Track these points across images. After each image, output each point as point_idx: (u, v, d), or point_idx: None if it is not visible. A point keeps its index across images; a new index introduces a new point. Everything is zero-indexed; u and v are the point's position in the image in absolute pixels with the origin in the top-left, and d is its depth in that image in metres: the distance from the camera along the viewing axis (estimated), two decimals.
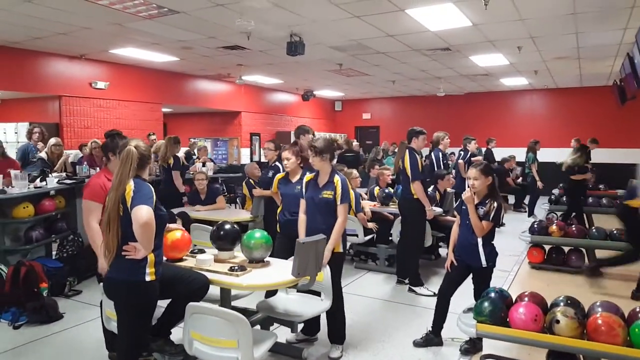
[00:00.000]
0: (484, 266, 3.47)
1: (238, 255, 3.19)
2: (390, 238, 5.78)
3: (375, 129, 15.94)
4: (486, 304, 2.83)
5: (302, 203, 3.56)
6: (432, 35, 6.99)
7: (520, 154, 10.93)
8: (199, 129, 13.23)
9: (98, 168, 5.57)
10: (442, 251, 6.21)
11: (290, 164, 3.90)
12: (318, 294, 3.37)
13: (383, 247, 5.81)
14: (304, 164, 3.95)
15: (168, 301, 2.90)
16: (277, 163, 4.96)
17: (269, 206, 4.97)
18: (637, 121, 11.85)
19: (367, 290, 5.07)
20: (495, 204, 3.38)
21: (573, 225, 5.74)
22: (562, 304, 2.73)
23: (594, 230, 5.59)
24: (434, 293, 4.72)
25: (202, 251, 3.31)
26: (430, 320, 3.73)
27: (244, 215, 5.58)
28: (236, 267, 2.88)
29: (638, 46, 6.29)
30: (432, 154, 7.18)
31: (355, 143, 11.51)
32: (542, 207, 8.60)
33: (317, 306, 3.18)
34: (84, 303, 4.62)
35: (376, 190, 6.50)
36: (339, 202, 3.38)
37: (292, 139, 13.41)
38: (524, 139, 11.62)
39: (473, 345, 3.50)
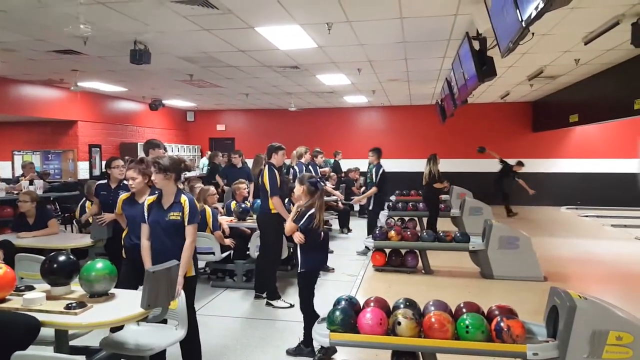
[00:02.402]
0: (299, 271, 3.75)
1: (76, 289, 2.83)
2: (247, 252, 5.76)
3: (230, 140, 15.77)
4: (337, 313, 2.98)
5: (145, 228, 3.33)
6: (282, 53, 7.23)
7: (363, 165, 11.91)
8: (24, 140, 11.45)
9: None
10: None
11: (137, 184, 3.66)
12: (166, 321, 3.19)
13: (240, 263, 5.75)
14: (153, 183, 3.73)
15: None
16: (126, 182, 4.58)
17: (113, 229, 4.56)
18: (455, 135, 13.85)
19: (225, 310, 4.97)
20: (306, 211, 3.67)
21: (408, 230, 6.39)
22: (402, 306, 3.05)
23: (424, 233, 6.31)
24: (291, 304, 4.86)
25: (30, 287, 2.87)
26: (289, 333, 3.81)
27: (83, 240, 5.00)
28: (74, 304, 2.55)
29: (454, 72, 7.39)
30: (297, 167, 7.40)
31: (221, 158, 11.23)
32: (382, 213, 9.46)
33: (171, 336, 3.00)
34: None
35: (233, 204, 6.44)
36: (187, 223, 3.26)
37: (139, 151, 12.53)
38: (366, 151, 12.67)
39: (325, 352, 3.67)
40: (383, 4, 5.03)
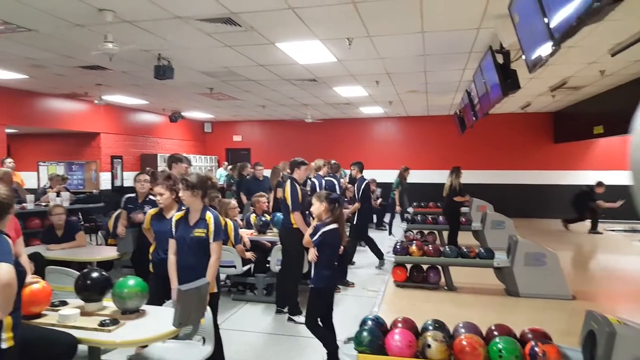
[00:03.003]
0: (310, 286, 3.74)
1: (108, 304, 2.88)
2: (268, 266, 5.76)
3: (246, 151, 15.92)
4: (365, 333, 2.93)
5: (172, 243, 3.37)
6: (301, 67, 7.29)
7: (379, 176, 11.87)
8: (50, 151, 11.77)
9: None
10: None
11: (164, 200, 3.71)
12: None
13: (261, 277, 5.75)
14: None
15: None
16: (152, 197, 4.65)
17: (139, 243, 4.62)
18: (474, 146, 13.70)
19: (247, 324, 4.97)
20: (321, 226, 3.67)
21: (430, 245, 6.28)
22: (431, 327, 2.98)
23: (447, 249, 6.11)
24: None
25: (64, 303, 2.91)
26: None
27: (110, 253, 5.08)
28: (107, 321, 2.58)
29: (475, 84, 7.34)
30: (315, 180, 7.44)
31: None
32: (399, 226, 9.37)
33: (198, 353, 3.01)
34: None
35: (252, 217, 6.46)
36: (212, 240, 3.28)
37: (159, 162, 12.64)
38: (382, 162, 12.66)
39: None
40: (404, 19, 5.04)
